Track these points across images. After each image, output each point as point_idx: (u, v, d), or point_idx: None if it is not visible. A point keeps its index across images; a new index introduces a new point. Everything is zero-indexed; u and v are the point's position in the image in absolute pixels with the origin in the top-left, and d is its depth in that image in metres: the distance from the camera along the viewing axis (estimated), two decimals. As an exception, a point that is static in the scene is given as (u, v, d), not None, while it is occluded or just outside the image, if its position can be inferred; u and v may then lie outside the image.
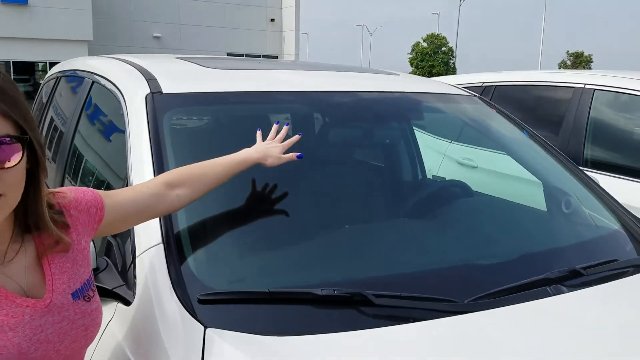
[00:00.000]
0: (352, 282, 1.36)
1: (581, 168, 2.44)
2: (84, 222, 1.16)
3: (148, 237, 1.38)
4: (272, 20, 31.74)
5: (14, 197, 0.99)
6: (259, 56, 31.20)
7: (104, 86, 2.02)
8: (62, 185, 2.12)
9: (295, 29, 31.55)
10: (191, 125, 1.81)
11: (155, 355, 1.16)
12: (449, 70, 48.06)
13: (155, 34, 28.38)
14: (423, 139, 3.07)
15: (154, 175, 1.44)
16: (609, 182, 2.65)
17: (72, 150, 2.18)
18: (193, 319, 1.18)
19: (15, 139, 0.95)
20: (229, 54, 29.38)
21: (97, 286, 1.24)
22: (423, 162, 2.75)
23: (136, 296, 1.31)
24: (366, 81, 2.25)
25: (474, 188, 2.17)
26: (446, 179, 2.96)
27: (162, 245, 1.34)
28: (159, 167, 1.49)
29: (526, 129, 2.39)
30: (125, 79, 1.89)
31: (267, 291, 1.25)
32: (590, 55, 51.81)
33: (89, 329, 1.11)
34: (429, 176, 2.86)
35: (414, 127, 2.77)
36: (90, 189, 1.22)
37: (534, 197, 2.14)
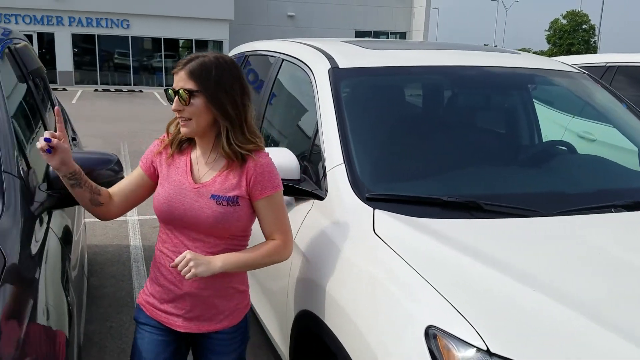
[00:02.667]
0: (475, 195, 2.03)
1: None
2: (251, 178, 1.74)
3: (332, 159, 2.15)
4: (403, -4, 31.92)
5: (197, 122, 1.68)
6: (386, 33, 31.56)
7: (293, 63, 2.83)
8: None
9: (426, 5, 31.48)
10: (360, 91, 2.56)
11: (339, 226, 1.93)
12: (589, 49, 45.01)
13: (289, 13, 29.86)
14: (540, 110, 3.60)
15: (337, 127, 2.20)
16: None
17: (266, 113, 3.03)
18: (366, 205, 1.93)
19: (190, 92, 1.65)
20: (357, 32, 30.13)
21: (300, 189, 2.05)
22: (540, 128, 3.30)
23: (327, 195, 2.10)
24: (494, 58, 2.86)
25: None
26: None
27: (343, 164, 2.10)
28: (340, 120, 2.24)
29: (626, 102, 2.87)
30: (311, 57, 2.68)
31: (411, 195, 1.97)
32: None
33: (212, 219, 1.70)
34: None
35: (533, 99, 3.33)
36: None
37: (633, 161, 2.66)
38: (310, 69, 2.60)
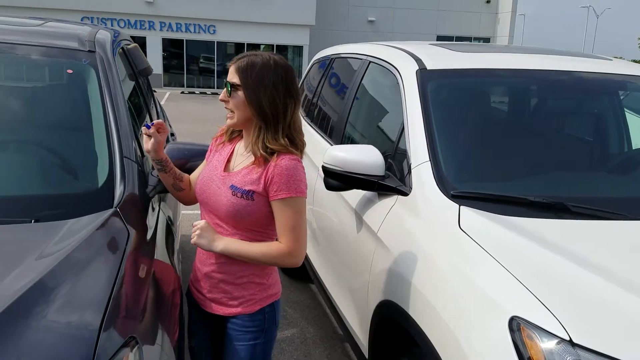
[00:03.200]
0: (560, 197, 2.04)
1: None
2: (269, 178, 1.71)
3: (418, 157, 2.23)
4: (488, 1, 31.20)
5: (238, 116, 1.72)
6: (470, 39, 30.97)
7: (380, 65, 2.93)
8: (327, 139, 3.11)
9: (512, 11, 30.64)
10: (447, 92, 2.62)
11: (424, 221, 2.01)
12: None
13: (370, 18, 29.99)
14: (630, 118, 3.51)
15: (424, 127, 2.27)
16: None
17: (350, 113, 3.14)
18: (451, 201, 1.99)
19: (232, 85, 1.70)
20: (438, 37, 29.77)
21: (384, 185, 2.14)
22: (630, 136, 3.22)
23: (412, 191, 2.18)
24: (584, 63, 2.83)
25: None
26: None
27: (429, 162, 2.18)
28: (427, 119, 2.31)
29: None
30: (399, 59, 2.77)
31: (497, 194, 2.02)
32: None
33: (226, 207, 1.72)
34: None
35: (623, 106, 3.25)
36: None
37: None
38: (397, 70, 2.68)
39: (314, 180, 3.26)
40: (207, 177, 1.83)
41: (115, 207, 1.76)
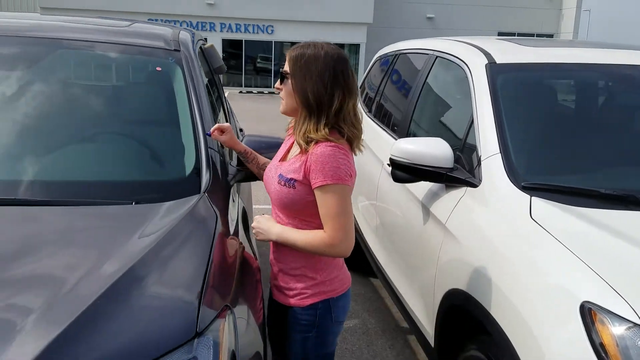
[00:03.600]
0: (631, 189, 2.05)
1: None
2: (308, 167, 1.71)
3: (488, 149, 2.27)
4: (551, -3, 30.32)
5: (287, 104, 1.77)
6: (532, 35, 30.12)
7: (448, 60, 2.98)
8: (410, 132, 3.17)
9: (576, 7, 29.62)
10: (516, 85, 2.65)
11: (495, 211, 2.06)
12: None
13: (428, 15, 29.67)
14: None
15: (494, 120, 2.31)
16: None
17: (417, 107, 3.20)
18: (522, 192, 2.03)
19: (283, 73, 1.75)
20: (499, 33, 29.10)
21: (454, 177, 2.19)
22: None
23: (481, 182, 2.23)
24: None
25: None
26: None
27: (499, 154, 2.22)
28: (497, 113, 2.35)
29: None
30: (467, 53, 2.81)
31: (567, 186, 2.04)
32: None
33: (274, 194, 1.78)
34: None
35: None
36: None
37: None
38: (466, 64, 2.73)
39: (378, 175, 3.34)
40: (269, 166, 1.93)
41: (203, 192, 1.92)
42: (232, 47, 27.78)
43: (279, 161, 1.88)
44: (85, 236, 1.66)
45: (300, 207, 1.75)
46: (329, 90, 1.69)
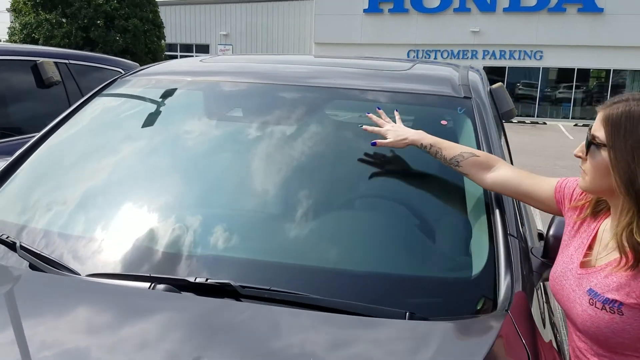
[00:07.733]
0: None
1: None
2: None
3: None
4: None
5: (593, 181, 1.25)
6: None
7: None
8: None
9: None
10: None
11: None
12: None
13: None
14: None
15: None
16: None
17: None
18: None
19: (592, 139, 1.24)
20: None
21: None
22: None
23: None
24: None
25: None
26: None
27: None
28: None
29: None
30: None
31: None
32: None
33: (581, 319, 1.22)
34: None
35: None
36: None
37: None
38: None
39: None
40: (560, 270, 1.37)
41: (505, 310, 1.27)
42: (492, 74, 26.61)
43: (581, 267, 1.30)
44: None
45: (628, 340, 1.20)
46: None
